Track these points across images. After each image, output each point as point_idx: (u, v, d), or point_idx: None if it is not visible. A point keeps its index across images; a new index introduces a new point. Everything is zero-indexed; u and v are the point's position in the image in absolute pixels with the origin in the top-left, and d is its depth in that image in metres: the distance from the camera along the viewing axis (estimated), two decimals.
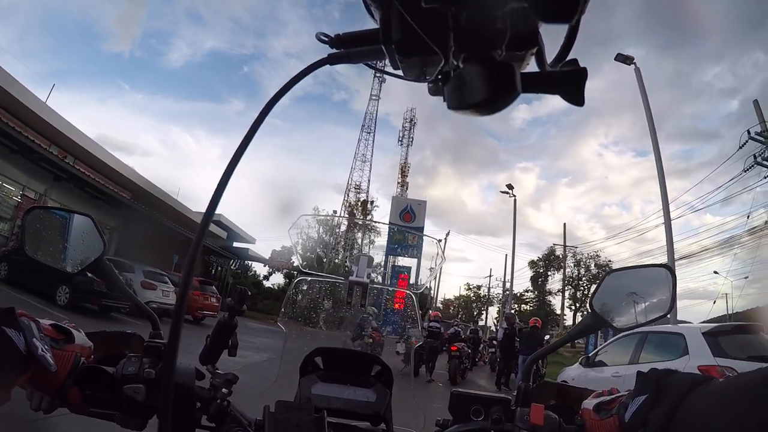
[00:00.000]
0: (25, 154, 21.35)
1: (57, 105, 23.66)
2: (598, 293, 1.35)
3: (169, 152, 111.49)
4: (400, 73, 0.64)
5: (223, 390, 1.20)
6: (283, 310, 1.80)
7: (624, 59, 20.21)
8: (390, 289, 2.18)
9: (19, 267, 15.95)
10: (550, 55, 0.60)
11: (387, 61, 0.63)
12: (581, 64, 0.58)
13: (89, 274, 1.33)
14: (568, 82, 0.57)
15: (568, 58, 0.59)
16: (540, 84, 0.58)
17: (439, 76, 0.62)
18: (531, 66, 0.60)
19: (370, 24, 0.61)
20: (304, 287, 2.01)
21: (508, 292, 45.76)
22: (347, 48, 0.68)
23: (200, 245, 0.72)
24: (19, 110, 21.20)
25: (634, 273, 1.43)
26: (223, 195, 0.70)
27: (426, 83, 0.66)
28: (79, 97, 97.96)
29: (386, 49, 0.60)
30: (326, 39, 0.68)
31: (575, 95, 0.58)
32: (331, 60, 0.69)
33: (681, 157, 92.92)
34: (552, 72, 0.59)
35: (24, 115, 21.58)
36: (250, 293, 1.27)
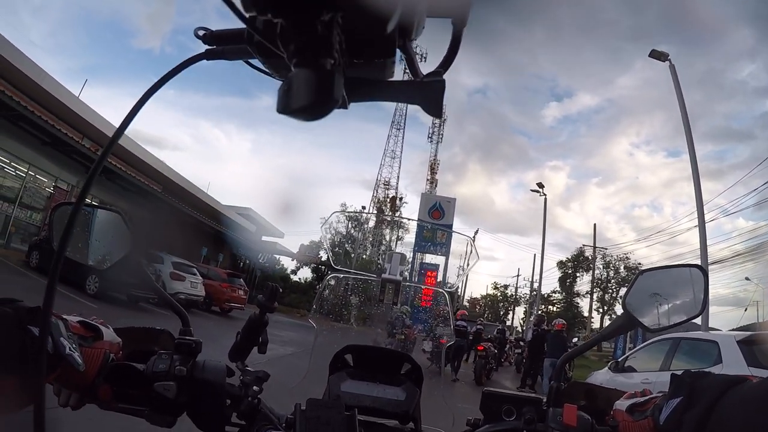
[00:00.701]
0: (57, 147, 21.93)
1: (89, 99, 24.14)
2: (630, 293, 1.33)
3: (200, 147, 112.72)
4: (271, 72, 0.66)
5: (254, 388, 1.19)
6: (314, 306, 1.80)
7: (659, 56, 19.81)
8: (423, 287, 2.17)
9: (50, 256, 16.18)
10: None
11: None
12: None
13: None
14: (427, 92, 0.59)
15: (439, 69, 0.61)
16: (392, 92, 0.62)
17: None
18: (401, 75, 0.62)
19: None
20: (336, 285, 2.00)
21: (535, 293, 45.48)
22: (220, 45, 0.71)
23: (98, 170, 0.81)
24: (51, 104, 21.58)
25: (666, 273, 1.40)
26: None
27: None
28: (111, 92, 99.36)
29: (251, 49, 0.62)
30: (201, 35, 0.71)
31: (433, 106, 0.59)
32: (207, 55, 0.72)
33: (713, 158, 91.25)
34: (411, 81, 0.60)
35: (56, 108, 21.97)
36: (281, 290, 1.26)
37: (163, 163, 30.38)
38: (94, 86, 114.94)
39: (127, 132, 0.72)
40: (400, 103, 0.65)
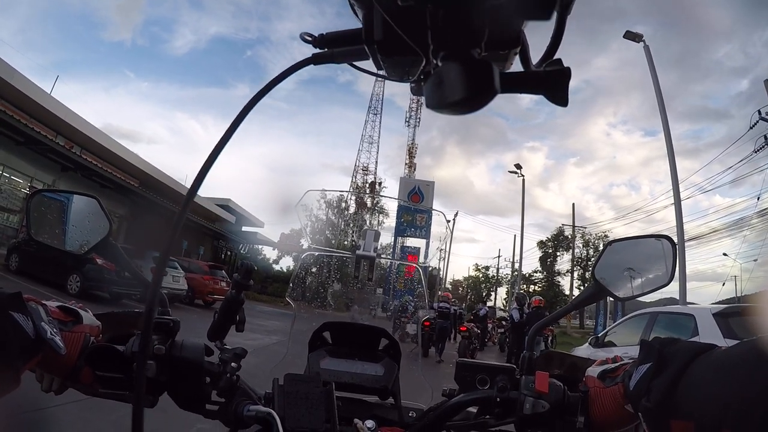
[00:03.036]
0: (31, 146, 21.64)
1: (62, 96, 24.08)
2: (599, 263, 1.36)
3: (176, 139, 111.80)
4: (383, 73, 0.65)
5: (233, 365, 1.21)
6: (291, 285, 1.81)
7: (633, 37, 19.91)
8: (397, 262, 2.19)
9: (29, 258, 16.11)
10: (537, 55, 0.60)
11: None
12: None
13: (99, 261, 1.33)
14: (552, 82, 0.58)
15: (555, 58, 0.59)
16: (523, 84, 0.59)
17: (422, 76, 0.63)
18: (517, 66, 0.61)
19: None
20: (312, 264, 2.02)
21: (516, 273, 45.71)
22: (330, 48, 0.68)
23: (180, 224, 0.76)
24: (23, 102, 21.44)
25: (635, 243, 1.42)
26: (200, 186, 0.73)
27: (409, 83, 0.67)
28: (84, 87, 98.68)
29: (369, 49, 0.60)
30: (310, 39, 0.68)
31: (559, 95, 0.58)
32: (315, 60, 0.69)
33: (690, 137, 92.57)
34: (536, 72, 0.59)
35: (28, 106, 21.82)
36: (256, 268, 1.27)
37: (138, 156, 30.21)
38: (67, 82, 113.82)
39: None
40: (405, 84, 0.64)
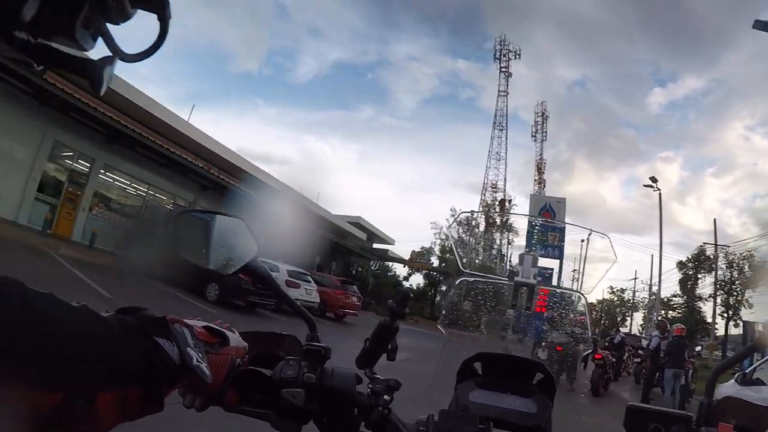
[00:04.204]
0: (173, 167, 24.15)
1: (198, 123, 26.33)
2: None
3: (307, 160, 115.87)
4: None
5: (385, 397, 1.14)
6: (443, 312, 1.75)
7: (763, 26, 18.19)
8: (559, 290, 2.08)
9: (172, 265, 17.11)
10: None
11: None
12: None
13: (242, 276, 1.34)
14: (91, 69, 0.60)
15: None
16: (71, 64, 0.60)
17: None
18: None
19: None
20: (466, 290, 1.95)
21: (654, 297, 43.55)
22: None
23: None
24: (163, 129, 23.75)
25: None
26: None
27: None
28: (218, 115, 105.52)
29: None
30: None
31: (95, 83, 0.61)
32: None
33: None
34: (85, 59, 0.61)
35: (169, 133, 24.08)
36: (412, 295, 1.22)
37: (270, 175, 31.72)
38: (202, 110, 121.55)
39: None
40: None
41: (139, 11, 0.61)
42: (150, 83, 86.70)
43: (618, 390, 18.66)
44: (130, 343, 0.80)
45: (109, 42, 0.60)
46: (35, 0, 0.52)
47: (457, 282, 1.80)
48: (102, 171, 23.01)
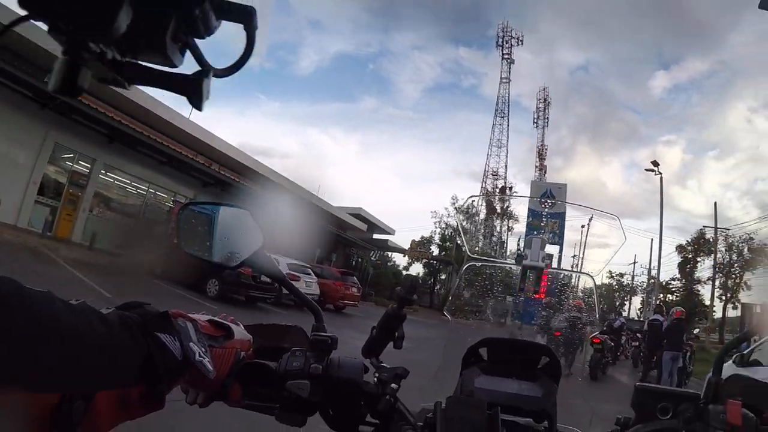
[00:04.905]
0: (173, 165, 24.07)
1: (199, 119, 26.11)
2: None
3: (308, 152, 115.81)
4: None
5: (392, 385, 1.13)
6: (450, 298, 1.75)
7: None
8: (567, 272, 2.08)
9: (172, 263, 17.16)
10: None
11: None
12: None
13: (249, 268, 1.32)
14: (189, 85, 0.61)
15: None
16: (163, 82, 0.60)
17: None
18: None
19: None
20: (474, 275, 1.96)
21: (653, 281, 43.47)
22: None
23: None
24: (164, 127, 23.75)
25: None
26: None
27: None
28: (220, 111, 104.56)
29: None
30: None
31: (193, 98, 0.61)
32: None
33: None
34: (177, 74, 0.60)
35: (170, 130, 24.11)
36: (420, 281, 1.22)
37: (271, 169, 31.76)
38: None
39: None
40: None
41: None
42: None
43: (615, 374, 18.65)
44: (131, 340, 0.80)
45: (199, 56, 0.61)
46: (126, 17, 0.50)
47: (464, 267, 1.79)
48: (103, 171, 23.02)
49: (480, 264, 1.84)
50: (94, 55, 0.54)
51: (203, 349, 0.96)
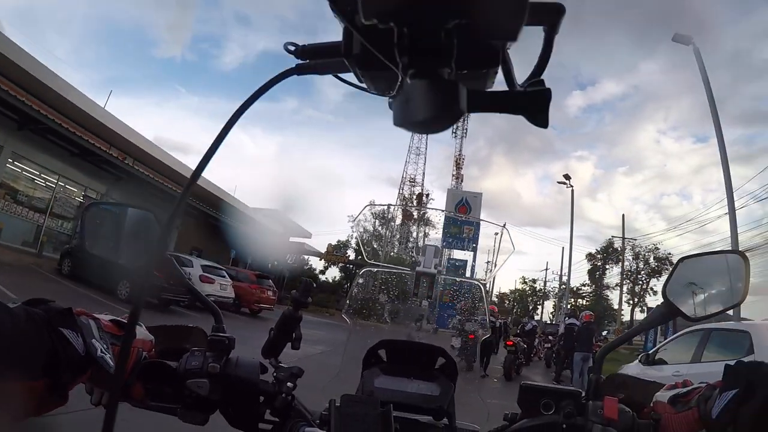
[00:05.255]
0: (85, 157, 22.67)
1: (115, 110, 25.26)
2: (670, 282, 1.29)
3: (226, 151, 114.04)
4: (365, 86, 0.64)
5: (288, 384, 1.18)
6: (347, 302, 1.78)
7: (682, 39, 19.50)
8: (458, 279, 2.15)
9: (81, 263, 16.58)
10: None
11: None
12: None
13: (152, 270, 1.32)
14: (532, 102, 0.55)
15: (540, 78, 0.58)
16: (501, 103, 0.56)
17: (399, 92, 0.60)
18: (502, 85, 0.59)
19: None
20: (370, 280, 2.00)
21: (564, 286, 45.11)
22: (312, 59, 0.69)
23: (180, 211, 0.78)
24: (78, 116, 22.37)
25: (707, 260, 1.36)
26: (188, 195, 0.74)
27: (388, 98, 0.65)
28: (137, 102, 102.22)
29: (348, 62, 0.59)
30: (292, 49, 0.69)
31: (539, 117, 0.55)
32: (298, 70, 0.69)
33: (743, 142, 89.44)
34: (516, 92, 0.58)
35: (83, 120, 22.73)
36: (315, 285, 1.25)
37: (188, 167, 30.92)
38: (119, 96, 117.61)
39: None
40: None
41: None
42: (66, 66, 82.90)
43: (530, 374, 19.31)
44: (36, 333, 0.81)
45: (509, 71, 0.58)
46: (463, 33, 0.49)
47: (361, 272, 1.84)
48: (10, 160, 21.25)
49: (376, 270, 1.89)
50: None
51: (105, 346, 0.97)
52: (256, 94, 0.70)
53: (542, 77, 0.58)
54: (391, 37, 0.51)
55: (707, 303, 1.28)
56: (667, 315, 1.30)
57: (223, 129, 0.69)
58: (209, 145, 0.70)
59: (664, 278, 1.34)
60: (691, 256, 1.38)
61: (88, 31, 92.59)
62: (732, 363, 1.00)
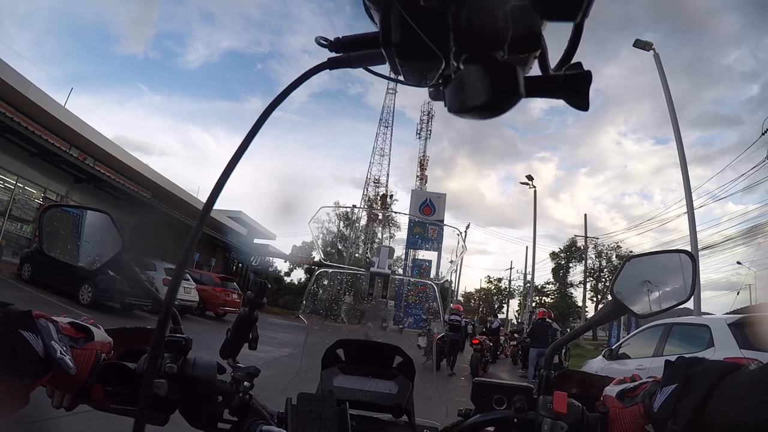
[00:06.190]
0: (45, 157, 21.90)
1: (76, 108, 24.58)
2: (618, 280, 1.34)
3: (189, 151, 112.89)
4: (401, 78, 0.63)
5: (245, 383, 1.20)
6: (304, 302, 1.79)
7: (643, 45, 19.84)
8: (412, 279, 2.17)
9: (42, 267, 16.25)
10: (554, 59, 0.59)
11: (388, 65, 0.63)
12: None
13: (110, 272, 1.32)
14: (572, 85, 0.56)
15: (573, 62, 0.58)
16: (543, 88, 0.56)
17: (440, 80, 0.61)
18: (534, 70, 0.58)
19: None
20: (325, 281, 2.01)
21: (529, 285, 45.48)
22: (347, 52, 0.67)
23: (196, 238, 0.76)
24: (37, 114, 21.74)
25: (654, 259, 1.40)
26: (218, 198, 0.72)
27: (427, 88, 0.65)
28: (98, 100, 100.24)
29: (386, 53, 0.58)
30: (326, 43, 0.67)
31: (580, 99, 0.56)
32: (331, 64, 0.67)
33: (702, 144, 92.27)
34: (555, 75, 0.57)
35: (42, 118, 22.10)
36: (270, 286, 1.27)
37: (151, 168, 30.43)
38: (81, 94, 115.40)
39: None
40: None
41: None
42: (24, 62, 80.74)
43: (496, 371, 19.47)
44: None
45: (544, 55, 0.58)
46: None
47: (316, 273, 1.85)
48: None
49: (331, 270, 1.91)
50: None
51: (64, 348, 0.98)
52: (288, 89, 0.67)
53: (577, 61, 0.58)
54: (440, 22, 0.51)
55: (654, 300, 1.32)
56: (615, 312, 1.34)
57: (249, 133, 0.68)
58: (239, 145, 0.68)
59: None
60: (638, 256, 1.42)
61: (49, 25, 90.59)
62: (673, 359, 1.04)
